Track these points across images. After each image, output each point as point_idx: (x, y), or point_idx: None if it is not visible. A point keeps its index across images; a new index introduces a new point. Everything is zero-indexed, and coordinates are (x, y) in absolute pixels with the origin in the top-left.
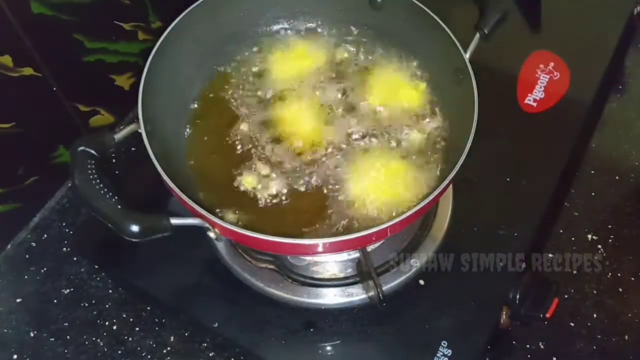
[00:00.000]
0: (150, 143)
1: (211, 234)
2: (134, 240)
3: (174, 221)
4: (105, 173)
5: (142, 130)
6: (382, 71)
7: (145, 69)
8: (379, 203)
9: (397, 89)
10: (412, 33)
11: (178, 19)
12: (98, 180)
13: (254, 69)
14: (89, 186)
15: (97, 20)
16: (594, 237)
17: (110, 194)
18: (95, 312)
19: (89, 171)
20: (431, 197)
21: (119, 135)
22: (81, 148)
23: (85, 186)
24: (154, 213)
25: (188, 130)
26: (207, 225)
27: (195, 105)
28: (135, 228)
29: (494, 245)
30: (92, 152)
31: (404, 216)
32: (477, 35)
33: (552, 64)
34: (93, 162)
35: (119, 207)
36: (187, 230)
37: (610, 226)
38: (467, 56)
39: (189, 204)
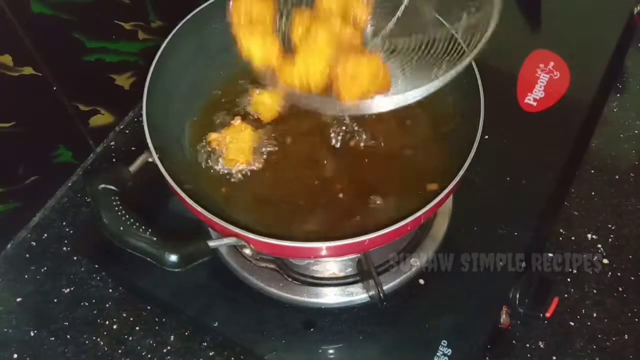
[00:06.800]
0: (168, 172)
1: (247, 251)
2: (176, 270)
3: (212, 243)
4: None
5: (157, 160)
6: None
7: (145, 100)
8: None
9: None
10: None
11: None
12: (127, 216)
13: None
14: (120, 223)
15: (97, 20)
16: (594, 236)
17: (143, 227)
18: (95, 312)
19: (116, 208)
20: (434, 203)
21: (133, 167)
22: (101, 186)
23: (115, 224)
24: (190, 239)
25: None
26: (242, 242)
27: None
28: (174, 258)
29: (494, 245)
30: (113, 188)
31: (404, 222)
32: (465, 14)
33: (552, 63)
34: (117, 198)
35: (155, 239)
36: (187, 230)
37: (610, 226)
38: (458, 35)
39: (221, 224)
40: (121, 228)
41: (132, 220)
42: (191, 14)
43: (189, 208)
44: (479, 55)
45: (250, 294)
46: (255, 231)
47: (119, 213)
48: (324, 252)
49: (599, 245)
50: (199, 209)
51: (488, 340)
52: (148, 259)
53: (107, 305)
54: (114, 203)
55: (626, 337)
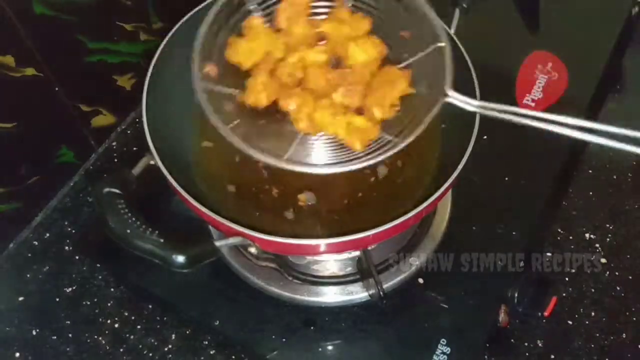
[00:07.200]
0: (171, 174)
1: (252, 250)
2: (183, 271)
3: (218, 243)
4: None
5: (159, 162)
6: None
7: (144, 104)
8: None
9: None
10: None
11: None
12: (134, 219)
13: None
14: (126, 226)
15: (99, 21)
16: (592, 236)
17: (150, 229)
18: (97, 311)
19: (122, 211)
20: (434, 197)
21: (136, 170)
22: (106, 190)
23: (122, 227)
24: (194, 239)
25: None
26: (248, 242)
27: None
28: (181, 259)
29: (492, 244)
30: (118, 191)
31: (407, 216)
32: (457, 10)
33: (550, 64)
34: (122, 201)
35: (162, 240)
36: (188, 230)
37: (608, 225)
38: (452, 31)
39: (226, 224)
40: (128, 231)
41: (138, 222)
42: (188, 14)
43: (193, 209)
44: None
45: (251, 293)
46: (261, 230)
47: (125, 216)
48: (328, 249)
49: (597, 245)
50: (204, 210)
51: (487, 339)
52: (155, 260)
53: (109, 304)
54: (120, 206)
55: (624, 336)
